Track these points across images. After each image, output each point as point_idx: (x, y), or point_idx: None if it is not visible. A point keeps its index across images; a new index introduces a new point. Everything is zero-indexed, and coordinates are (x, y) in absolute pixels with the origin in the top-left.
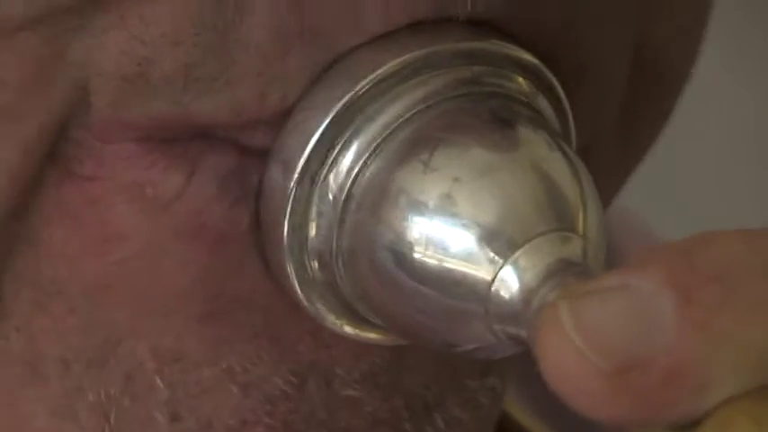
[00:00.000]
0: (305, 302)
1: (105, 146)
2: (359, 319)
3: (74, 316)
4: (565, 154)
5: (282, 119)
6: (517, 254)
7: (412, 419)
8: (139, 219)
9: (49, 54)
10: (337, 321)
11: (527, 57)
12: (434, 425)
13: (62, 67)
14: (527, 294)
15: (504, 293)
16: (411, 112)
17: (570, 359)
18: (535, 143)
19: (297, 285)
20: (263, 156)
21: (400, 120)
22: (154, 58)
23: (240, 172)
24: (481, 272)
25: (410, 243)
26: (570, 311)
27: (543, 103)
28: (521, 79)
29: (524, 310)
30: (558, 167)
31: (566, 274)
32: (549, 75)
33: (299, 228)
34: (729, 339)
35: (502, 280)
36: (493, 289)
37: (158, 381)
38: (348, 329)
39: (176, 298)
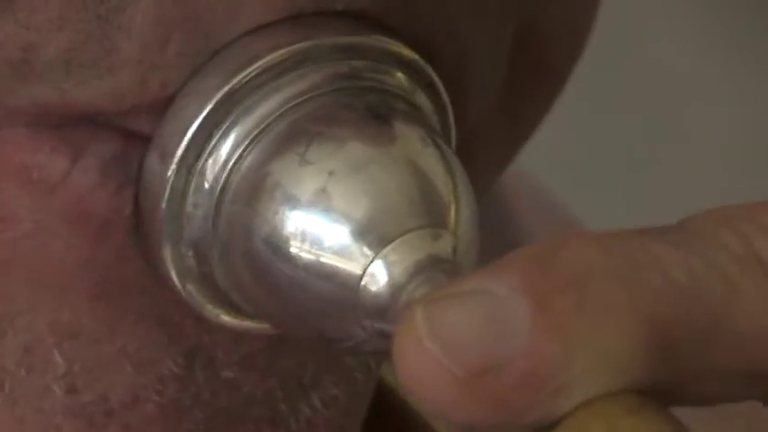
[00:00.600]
0: (182, 292)
1: None
2: (236, 309)
3: None
4: (440, 150)
5: (164, 106)
6: (387, 249)
7: (287, 399)
8: (28, 201)
9: None
10: (214, 311)
11: (406, 52)
12: (310, 403)
13: None
14: (395, 289)
15: (373, 287)
16: (289, 105)
17: (424, 364)
18: (410, 139)
19: (174, 274)
20: (146, 141)
21: (278, 112)
22: (38, 43)
23: (124, 158)
24: (352, 266)
25: (286, 237)
26: (425, 316)
27: (422, 99)
28: (400, 74)
29: (392, 305)
30: (433, 164)
31: (434, 271)
32: (429, 70)
33: (176, 217)
34: (584, 344)
35: (371, 274)
36: (362, 283)
37: (56, 354)
38: (225, 318)
39: (68, 275)
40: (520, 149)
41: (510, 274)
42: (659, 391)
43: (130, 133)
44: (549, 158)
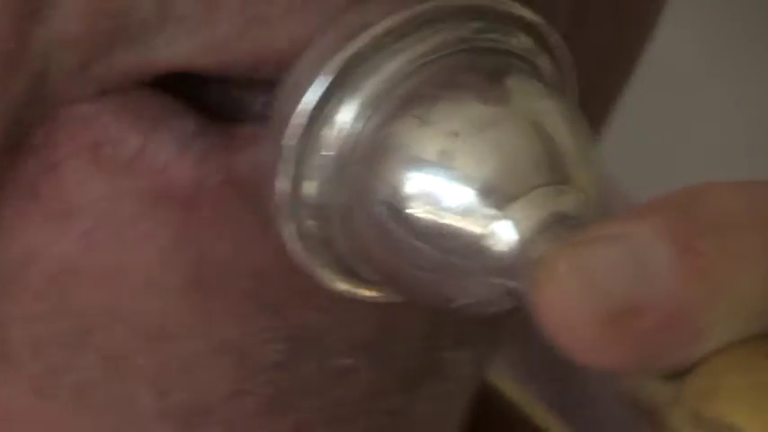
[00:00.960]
0: (300, 258)
1: (59, 110)
2: (353, 277)
3: (41, 303)
4: (563, 108)
5: (263, 60)
6: (512, 207)
7: (401, 391)
8: (98, 183)
9: (14, 39)
10: (332, 277)
11: (529, 15)
12: (422, 397)
13: (29, 51)
14: (522, 246)
15: (500, 246)
16: (410, 68)
17: (566, 305)
18: (533, 98)
19: (292, 241)
20: (224, 117)
21: (399, 75)
22: (129, 6)
23: (201, 133)
24: (477, 226)
25: (407, 198)
26: (567, 259)
27: (544, 62)
28: (522, 37)
29: (520, 262)
30: (556, 121)
31: (561, 227)
32: (553, 34)
33: (297, 182)
34: (725, 288)
35: (497, 233)
36: (487, 242)
37: (141, 359)
38: (342, 286)
39: (152, 270)
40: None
41: (652, 218)
42: None
43: (208, 104)
44: None
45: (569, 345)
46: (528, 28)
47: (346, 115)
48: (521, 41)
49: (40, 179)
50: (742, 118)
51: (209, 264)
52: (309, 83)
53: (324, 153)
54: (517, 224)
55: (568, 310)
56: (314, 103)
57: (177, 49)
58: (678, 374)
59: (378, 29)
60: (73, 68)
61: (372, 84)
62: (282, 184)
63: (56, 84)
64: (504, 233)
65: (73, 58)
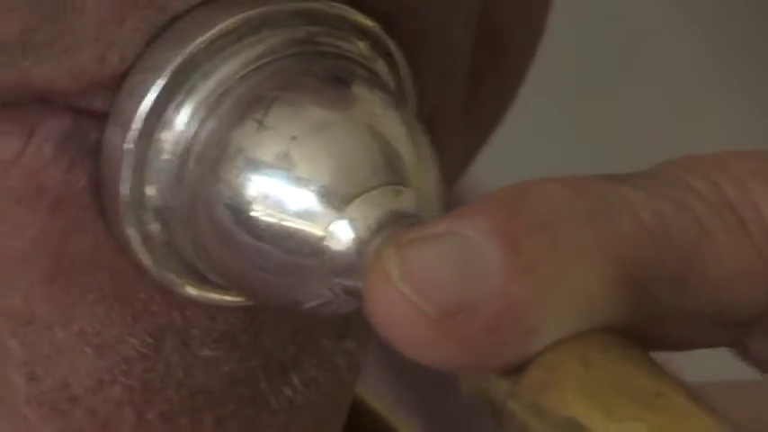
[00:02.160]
0: (146, 263)
1: None
2: (202, 280)
3: None
4: (400, 112)
5: (121, 81)
6: (349, 207)
7: (268, 379)
8: None
9: None
10: (179, 281)
11: (364, 20)
12: (291, 384)
13: None
14: (359, 246)
15: (338, 246)
16: (246, 70)
17: (396, 305)
18: (370, 101)
19: (137, 246)
20: (100, 117)
21: (235, 77)
22: None
23: (77, 133)
24: (316, 227)
25: (248, 201)
26: (396, 257)
27: (381, 67)
28: (359, 42)
29: (358, 261)
30: (393, 125)
31: (398, 226)
32: (387, 39)
33: (138, 188)
34: (555, 285)
35: (335, 233)
36: (327, 242)
37: (13, 342)
38: (191, 290)
39: (18, 261)
40: (478, 151)
41: (480, 216)
42: (630, 334)
43: (83, 109)
44: (546, 167)
45: (401, 343)
46: (364, 33)
47: (184, 117)
48: (357, 46)
49: None
50: (744, 122)
51: (69, 258)
52: (147, 87)
53: (163, 157)
54: (354, 223)
55: (398, 309)
56: (152, 105)
57: (43, 71)
58: (517, 369)
59: (213, 31)
60: None
61: (208, 86)
62: (124, 189)
63: None
64: (341, 233)
65: None
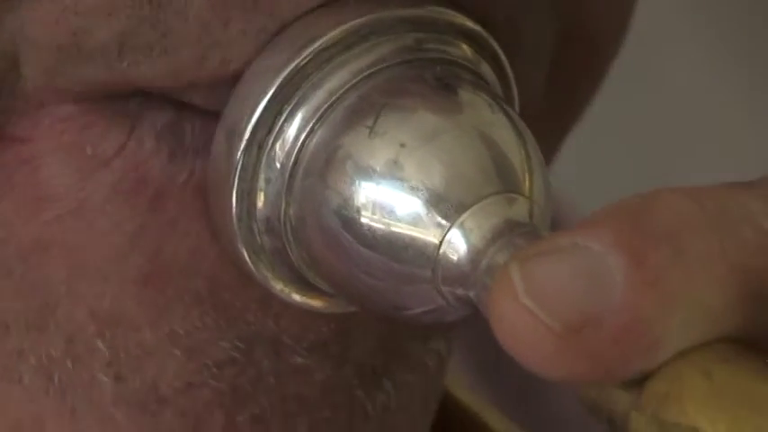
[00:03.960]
0: (253, 270)
1: (40, 108)
2: (307, 287)
3: (9, 279)
4: (509, 117)
5: (222, 81)
6: (464, 216)
7: (363, 385)
8: (74, 178)
9: None
10: (285, 289)
11: (469, 23)
12: (384, 389)
13: None
14: (475, 256)
15: (452, 255)
16: (356, 79)
17: (522, 320)
18: (479, 107)
19: (245, 253)
20: (200, 111)
21: (345, 86)
22: (88, 27)
23: (178, 126)
24: (428, 235)
25: (357, 208)
26: (521, 273)
27: (486, 70)
28: (464, 46)
29: (472, 271)
30: (503, 130)
31: (512, 235)
32: (492, 42)
33: (247, 195)
34: (679, 297)
35: (449, 242)
36: (441, 251)
37: (99, 343)
38: (296, 297)
39: (113, 259)
40: (559, 148)
41: (604, 229)
42: (753, 344)
43: (184, 102)
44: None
45: (526, 358)
46: (468, 36)
47: (295, 126)
48: (462, 50)
49: (16, 170)
50: (745, 122)
51: (165, 261)
52: (259, 95)
53: (274, 165)
54: (468, 233)
55: (524, 324)
56: (263, 114)
57: (140, 71)
58: (638, 381)
59: (322, 41)
60: (42, 69)
61: (318, 96)
62: (234, 196)
63: (29, 81)
64: (456, 242)
65: (40, 59)
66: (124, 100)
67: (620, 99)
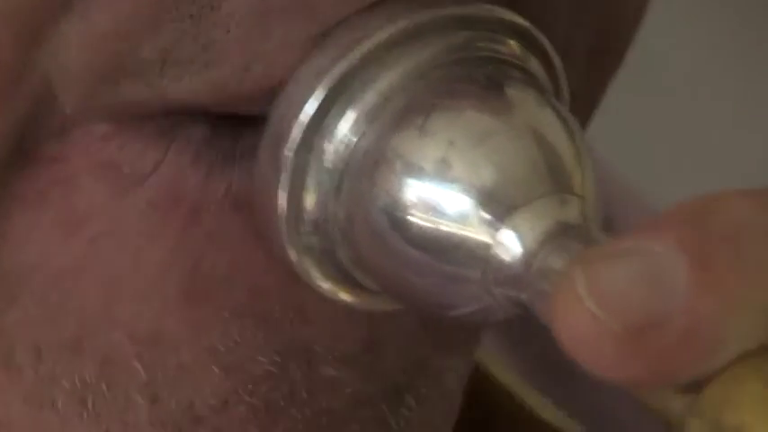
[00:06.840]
0: (301, 271)
1: (75, 127)
2: (354, 287)
3: (44, 306)
4: (560, 115)
5: (265, 92)
6: (516, 217)
7: (387, 400)
8: (110, 196)
9: (14, 59)
10: (334, 288)
11: (518, 20)
12: (407, 404)
13: (29, 71)
14: (527, 257)
15: (504, 256)
16: (405, 80)
17: (585, 323)
18: (530, 106)
19: (294, 254)
20: (238, 123)
21: (395, 87)
22: (131, 47)
23: (215, 139)
24: (480, 235)
25: (406, 206)
26: (584, 276)
27: (536, 67)
28: (513, 43)
29: (525, 272)
30: (554, 129)
31: (565, 237)
32: (542, 38)
33: (296, 197)
34: (741, 300)
35: (501, 243)
36: (492, 252)
37: (137, 364)
38: (344, 296)
39: (150, 278)
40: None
41: (666, 231)
42: None
43: (219, 115)
44: None
45: (588, 361)
46: (516, 33)
47: (344, 127)
48: (511, 47)
49: (50, 191)
50: (750, 119)
51: (205, 276)
52: (307, 96)
53: (323, 165)
54: (522, 234)
55: (586, 327)
56: (312, 115)
57: (181, 87)
58: (696, 384)
59: (372, 41)
60: (79, 94)
61: (368, 97)
62: (282, 197)
63: (65, 106)
64: (509, 243)
65: (77, 85)
66: (161, 116)
67: (620, 99)
